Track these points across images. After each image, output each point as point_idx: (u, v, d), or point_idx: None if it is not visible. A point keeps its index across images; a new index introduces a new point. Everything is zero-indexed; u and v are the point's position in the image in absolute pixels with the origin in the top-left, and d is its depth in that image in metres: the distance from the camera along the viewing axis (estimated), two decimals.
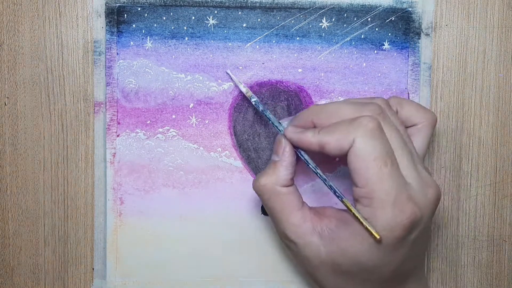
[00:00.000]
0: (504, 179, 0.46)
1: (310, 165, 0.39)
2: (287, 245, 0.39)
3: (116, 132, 0.45)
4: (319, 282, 0.39)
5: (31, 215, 0.46)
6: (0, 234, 0.46)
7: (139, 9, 0.44)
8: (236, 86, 0.44)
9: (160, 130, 0.45)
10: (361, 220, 0.35)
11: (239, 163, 0.45)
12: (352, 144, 0.35)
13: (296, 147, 0.39)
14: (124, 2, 0.44)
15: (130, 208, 0.45)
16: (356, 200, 0.36)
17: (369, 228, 0.34)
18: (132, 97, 0.45)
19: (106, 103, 0.45)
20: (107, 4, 0.44)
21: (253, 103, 0.42)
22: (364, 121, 0.35)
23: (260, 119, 0.45)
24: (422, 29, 0.45)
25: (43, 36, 0.45)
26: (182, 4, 0.44)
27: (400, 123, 0.38)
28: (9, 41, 0.45)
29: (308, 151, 0.39)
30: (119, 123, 0.45)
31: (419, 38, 0.44)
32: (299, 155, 0.39)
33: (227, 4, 0.44)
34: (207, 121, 0.45)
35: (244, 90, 0.43)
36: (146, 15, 0.44)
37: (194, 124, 0.45)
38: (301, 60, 0.45)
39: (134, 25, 0.44)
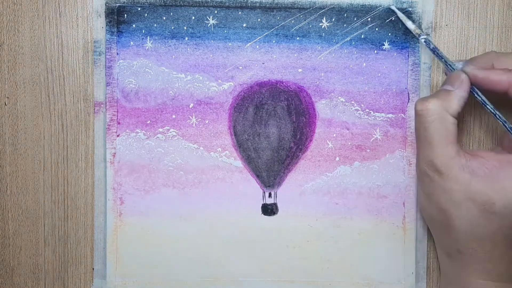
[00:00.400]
0: None
1: (487, 106, 0.40)
2: (429, 174, 0.38)
3: (116, 132, 0.45)
4: (452, 219, 0.38)
5: (31, 215, 0.46)
6: (0, 234, 0.46)
7: (139, 9, 0.44)
8: (402, 22, 0.44)
9: (160, 130, 0.45)
10: None
11: (239, 163, 0.45)
12: None
13: (474, 86, 0.39)
14: (124, 2, 0.44)
15: (130, 208, 0.45)
16: None
17: None
18: (132, 97, 0.45)
19: (106, 103, 0.45)
20: (107, 4, 0.44)
21: (423, 40, 0.42)
22: None
23: (260, 119, 0.45)
24: (422, 29, 0.44)
25: (43, 36, 0.45)
26: (182, 4, 0.44)
27: None
28: (9, 41, 0.45)
29: (485, 92, 0.39)
30: (119, 123, 0.45)
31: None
32: (476, 95, 0.40)
33: (227, 4, 0.44)
34: (207, 121, 0.45)
35: (412, 27, 0.43)
36: (146, 15, 0.44)
37: (194, 124, 0.45)
38: (301, 60, 0.45)
39: (134, 25, 0.44)
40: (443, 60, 0.41)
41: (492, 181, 0.37)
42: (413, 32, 0.43)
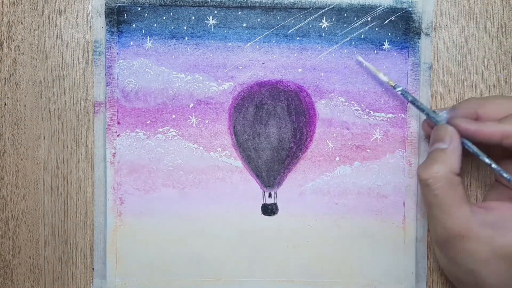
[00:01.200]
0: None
1: (481, 157, 0.39)
2: (449, 241, 0.37)
3: (116, 132, 0.45)
4: (482, 278, 0.37)
5: (31, 215, 0.46)
6: (0, 234, 0.46)
7: (139, 9, 0.44)
8: (374, 75, 0.43)
9: (160, 130, 0.45)
10: None
11: (239, 163, 0.45)
12: None
13: (463, 137, 0.38)
14: (124, 2, 0.44)
15: (130, 208, 0.45)
16: None
17: None
18: (132, 97, 0.45)
19: (106, 103, 0.45)
20: (107, 4, 0.44)
21: (400, 93, 0.41)
22: None
23: (260, 119, 0.45)
24: (422, 29, 0.45)
25: (43, 36, 0.45)
26: (182, 4, 0.44)
27: None
28: (9, 41, 0.45)
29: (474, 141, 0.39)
30: (119, 123, 0.45)
31: (419, 38, 0.44)
32: (467, 146, 0.39)
33: (227, 4, 0.44)
34: (207, 121, 0.45)
35: (385, 79, 0.42)
36: (146, 15, 0.44)
37: (194, 124, 0.45)
38: (301, 60, 0.45)
39: (134, 25, 0.44)
40: (424, 111, 0.41)
41: None
42: (387, 84, 0.42)
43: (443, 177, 0.37)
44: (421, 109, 0.41)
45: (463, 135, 0.38)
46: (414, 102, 0.41)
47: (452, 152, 0.38)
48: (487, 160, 0.39)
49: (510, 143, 0.37)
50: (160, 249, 0.45)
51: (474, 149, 0.39)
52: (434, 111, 0.40)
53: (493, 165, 0.38)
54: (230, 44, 0.44)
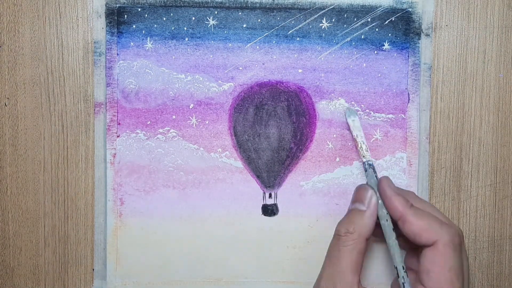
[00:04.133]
0: (504, 180, 0.46)
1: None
2: None
3: (116, 133, 0.45)
4: None
5: (31, 215, 0.46)
6: (0, 235, 0.46)
7: (139, 9, 0.44)
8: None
9: (161, 130, 0.45)
10: None
11: (239, 163, 0.45)
12: (434, 242, 0.37)
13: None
14: (124, 2, 0.44)
15: (130, 209, 0.45)
16: None
17: None
18: (132, 98, 0.45)
19: (106, 103, 0.45)
20: (107, 5, 0.44)
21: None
22: (454, 230, 0.37)
23: (260, 119, 0.45)
24: (422, 30, 0.45)
25: (43, 37, 0.45)
26: (182, 5, 0.44)
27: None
28: (9, 42, 0.45)
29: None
30: (119, 124, 0.45)
31: (419, 39, 0.44)
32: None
33: (227, 4, 0.44)
34: (207, 122, 0.45)
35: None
36: (146, 15, 0.44)
37: (194, 125, 0.45)
38: (301, 60, 0.45)
39: (134, 26, 0.44)
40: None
41: None
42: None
43: (355, 240, 0.38)
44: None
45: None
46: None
47: (368, 217, 0.39)
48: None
49: (404, 228, 0.38)
50: (161, 250, 0.45)
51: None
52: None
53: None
54: (230, 44, 0.44)
